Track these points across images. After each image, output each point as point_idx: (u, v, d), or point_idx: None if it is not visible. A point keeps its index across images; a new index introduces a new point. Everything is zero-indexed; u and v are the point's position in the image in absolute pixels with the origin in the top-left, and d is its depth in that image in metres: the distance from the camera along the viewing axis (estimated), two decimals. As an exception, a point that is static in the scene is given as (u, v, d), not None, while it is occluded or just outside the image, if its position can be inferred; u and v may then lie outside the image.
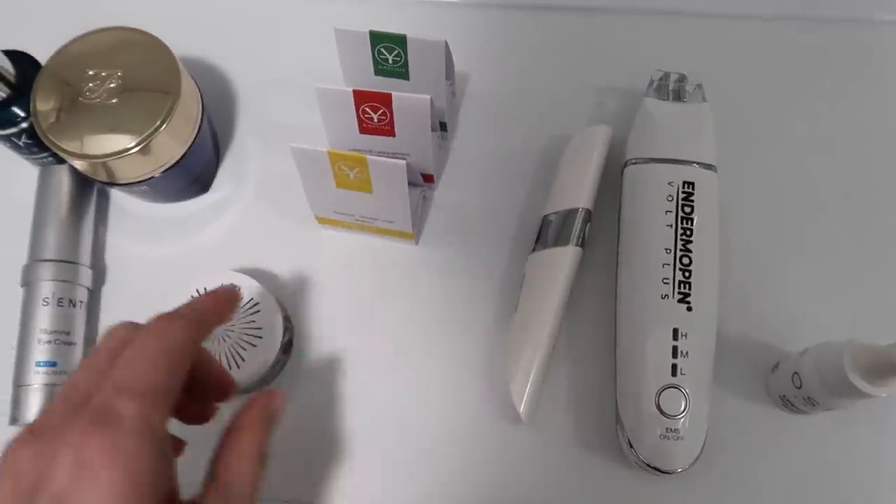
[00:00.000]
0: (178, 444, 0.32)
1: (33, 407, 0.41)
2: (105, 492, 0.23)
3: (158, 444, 0.25)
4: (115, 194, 0.48)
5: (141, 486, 0.24)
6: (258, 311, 0.40)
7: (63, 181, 0.45)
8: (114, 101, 0.40)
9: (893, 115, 0.48)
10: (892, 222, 0.45)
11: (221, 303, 0.32)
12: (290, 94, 0.49)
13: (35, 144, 0.44)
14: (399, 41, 0.39)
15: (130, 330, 0.28)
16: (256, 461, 0.28)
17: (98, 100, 0.40)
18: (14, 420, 0.41)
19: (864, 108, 0.48)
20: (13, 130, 0.43)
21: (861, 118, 0.48)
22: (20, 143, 0.44)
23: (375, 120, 0.40)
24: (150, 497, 0.24)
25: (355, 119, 0.40)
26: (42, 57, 0.42)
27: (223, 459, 0.28)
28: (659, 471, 0.37)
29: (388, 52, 0.40)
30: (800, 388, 0.38)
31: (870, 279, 0.44)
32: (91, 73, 0.41)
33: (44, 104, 0.40)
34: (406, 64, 0.40)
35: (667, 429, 0.37)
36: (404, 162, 0.36)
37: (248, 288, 0.40)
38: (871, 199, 0.46)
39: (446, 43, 0.39)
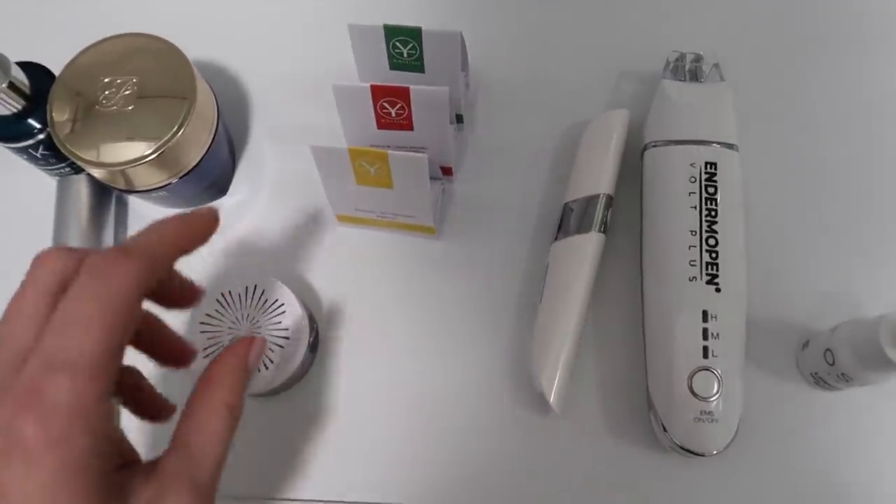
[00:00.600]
0: (164, 407, 0.30)
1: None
2: (41, 482, 0.22)
3: (95, 424, 0.23)
4: (133, 201, 0.48)
5: (77, 473, 0.22)
6: (283, 312, 0.40)
7: (82, 191, 0.45)
8: (130, 107, 0.40)
9: (913, 86, 0.47)
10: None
11: (182, 230, 0.27)
12: (303, 94, 0.49)
13: (52, 155, 0.44)
14: (414, 34, 0.39)
15: (67, 264, 0.25)
16: (223, 416, 0.26)
17: (114, 107, 0.40)
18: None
19: (887, 81, 0.47)
20: (30, 142, 0.42)
21: (883, 90, 0.47)
22: (37, 155, 0.44)
23: (393, 115, 0.39)
24: (88, 481, 0.22)
25: (373, 115, 0.40)
26: (56, 68, 0.42)
27: (187, 413, 0.26)
28: (694, 454, 0.37)
29: (403, 45, 0.40)
30: (833, 364, 0.38)
31: (895, 255, 0.43)
32: (106, 80, 0.40)
33: (60, 114, 0.40)
34: (421, 57, 0.40)
35: (701, 411, 0.37)
36: (426, 155, 0.36)
37: (272, 289, 0.40)
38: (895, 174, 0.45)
39: (461, 34, 0.39)
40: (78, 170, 0.45)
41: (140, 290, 0.24)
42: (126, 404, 0.30)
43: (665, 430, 0.38)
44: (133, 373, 0.30)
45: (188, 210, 0.28)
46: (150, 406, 0.30)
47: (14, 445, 0.22)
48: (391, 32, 0.39)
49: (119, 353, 0.24)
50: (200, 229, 0.28)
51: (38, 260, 0.25)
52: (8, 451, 0.22)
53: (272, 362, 0.39)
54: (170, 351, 0.31)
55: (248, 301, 0.40)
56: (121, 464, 0.25)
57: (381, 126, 0.41)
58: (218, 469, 0.26)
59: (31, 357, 0.23)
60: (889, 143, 0.46)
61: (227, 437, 0.26)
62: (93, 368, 0.23)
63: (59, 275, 0.24)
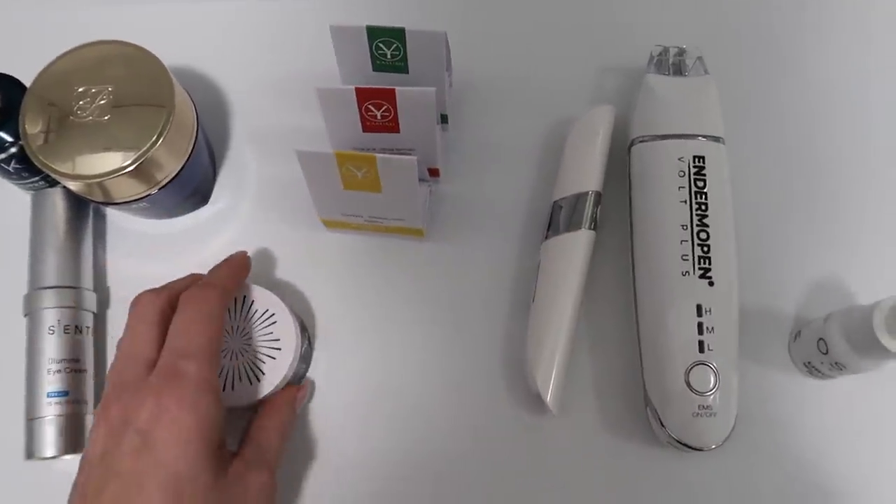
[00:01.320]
0: None
1: (49, 439, 0.39)
2: (178, 430, 0.31)
3: (215, 395, 0.33)
4: (112, 213, 0.47)
5: (204, 429, 0.32)
6: (274, 322, 0.39)
7: (57, 204, 0.43)
8: (106, 117, 0.39)
9: (893, 73, 0.48)
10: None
11: (236, 268, 0.40)
12: (284, 98, 0.48)
13: (25, 169, 0.42)
14: (398, 34, 0.38)
15: (161, 299, 0.36)
16: (281, 432, 0.38)
17: (90, 118, 0.39)
18: (30, 455, 0.40)
19: (868, 71, 0.48)
20: (2, 156, 0.41)
21: (865, 80, 0.47)
22: (10, 169, 0.42)
23: (379, 117, 0.39)
24: (210, 439, 0.32)
25: (358, 118, 0.39)
26: (27, 79, 0.40)
27: (258, 424, 0.37)
28: (692, 448, 0.37)
29: (387, 46, 0.39)
30: (826, 353, 0.38)
31: (884, 242, 0.44)
32: (80, 90, 0.39)
33: (33, 125, 0.39)
34: (405, 57, 0.39)
35: (699, 406, 0.37)
36: (415, 158, 0.35)
37: (261, 298, 0.39)
38: (882, 162, 0.46)
39: (445, 34, 0.38)
40: (52, 183, 0.44)
41: (225, 306, 0.37)
42: None
43: (663, 425, 0.37)
44: None
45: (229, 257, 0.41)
46: None
47: (162, 411, 0.31)
48: (374, 33, 0.38)
49: (220, 348, 0.35)
50: (244, 266, 0.41)
51: (138, 302, 0.36)
52: (158, 416, 0.31)
53: (263, 374, 0.38)
54: None
55: (237, 313, 0.39)
56: (223, 442, 0.34)
57: (366, 129, 0.40)
58: (278, 458, 0.37)
59: (163, 354, 0.34)
60: (873, 132, 0.46)
61: (284, 440, 0.38)
62: (208, 355, 0.34)
63: (158, 308, 0.36)
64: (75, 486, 0.32)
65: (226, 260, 0.41)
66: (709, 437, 0.37)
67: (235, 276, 0.39)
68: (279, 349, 0.38)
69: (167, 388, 0.32)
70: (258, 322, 0.39)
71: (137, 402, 0.32)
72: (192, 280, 0.39)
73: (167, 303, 0.36)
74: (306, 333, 0.42)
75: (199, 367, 0.33)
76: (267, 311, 0.39)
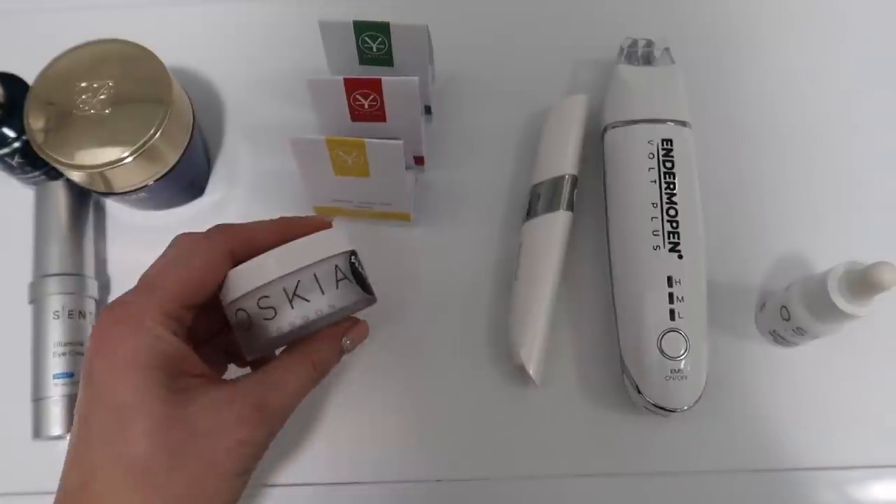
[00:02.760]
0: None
1: (55, 418, 0.41)
2: (114, 360, 0.29)
3: (156, 331, 0.30)
4: (111, 206, 0.49)
5: (142, 362, 0.29)
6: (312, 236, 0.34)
7: (60, 197, 0.45)
8: (107, 111, 0.41)
9: (851, 59, 0.51)
10: (859, 160, 0.48)
11: (290, 224, 0.34)
12: (275, 93, 0.50)
13: (28, 163, 0.44)
14: (382, 28, 0.40)
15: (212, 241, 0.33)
16: (307, 368, 0.33)
17: (91, 111, 0.41)
18: (37, 434, 0.41)
19: (824, 57, 0.51)
20: (6, 151, 0.43)
21: (820, 65, 0.51)
22: (13, 164, 0.44)
23: (366, 106, 0.41)
24: (152, 371, 0.29)
25: (347, 107, 0.41)
26: (29, 78, 0.42)
27: (279, 358, 0.33)
28: (666, 410, 0.39)
29: (372, 40, 0.41)
30: (788, 320, 0.41)
31: (842, 216, 0.47)
32: (82, 85, 0.41)
33: (37, 119, 0.41)
34: (390, 51, 0.42)
35: (671, 370, 0.39)
36: (401, 142, 0.38)
37: None
38: (837, 143, 0.49)
39: (427, 27, 0.41)
40: (54, 177, 0.46)
41: (226, 251, 0.32)
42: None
43: (639, 390, 0.40)
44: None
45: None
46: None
47: (101, 341, 0.30)
48: (360, 28, 0.41)
49: (196, 291, 0.31)
50: (300, 226, 0.34)
51: (177, 240, 0.33)
52: (95, 346, 0.30)
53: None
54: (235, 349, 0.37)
55: None
56: (187, 371, 0.30)
57: (354, 118, 0.42)
58: (286, 405, 0.32)
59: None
60: (829, 114, 0.49)
61: (305, 385, 0.33)
62: (166, 295, 0.30)
63: (224, 248, 0.32)
64: None
65: (298, 219, 0.35)
66: (680, 399, 0.39)
67: (278, 229, 0.34)
68: (292, 245, 0.33)
69: (104, 319, 0.30)
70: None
71: (92, 331, 0.31)
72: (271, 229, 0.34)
73: (234, 246, 0.33)
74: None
75: (141, 299, 0.30)
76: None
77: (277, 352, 0.35)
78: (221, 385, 0.31)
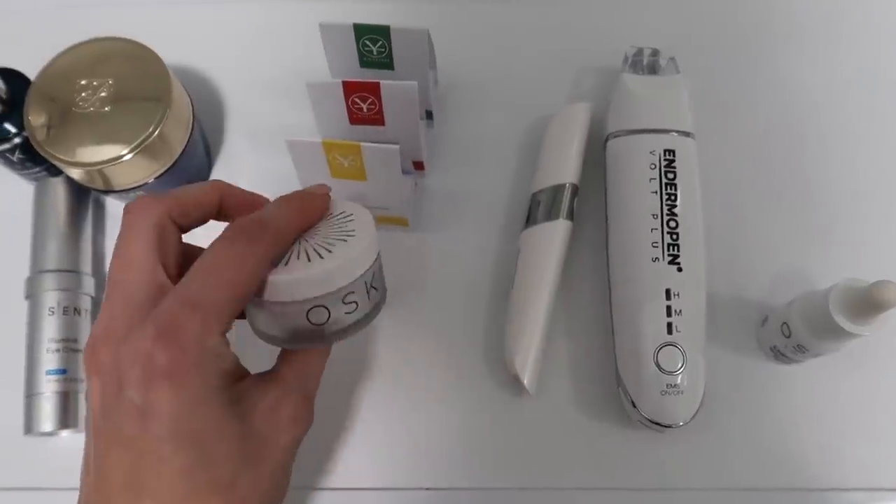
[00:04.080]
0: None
1: (47, 415, 0.41)
2: (187, 398, 0.26)
3: (220, 353, 0.28)
4: (111, 203, 0.49)
5: (212, 390, 0.27)
6: (351, 219, 0.33)
7: (59, 192, 0.45)
8: (107, 108, 0.41)
9: (855, 72, 0.50)
10: (864, 175, 0.47)
11: (308, 210, 0.32)
12: (276, 94, 0.50)
13: (28, 159, 0.44)
14: (383, 32, 0.40)
15: (163, 208, 0.30)
16: (324, 351, 0.33)
17: (91, 109, 0.41)
18: (29, 429, 0.41)
19: (830, 70, 0.50)
20: (6, 146, 0.43)
21: (827, 79, 0.50)
22: (13, 159, 0.44)
23: (365, 110, 0.41)
24: (220, 396, 0.28)
25: (345, 110, 0.41)
26: (31, 74, 0.43)
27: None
28: (661, 426, 0.39)
29: (373, 43, 0.41)
30: (789, 336, 0.40)
31: (846, 231, 0.46)
32: (83, 83, 0.41)
33: (37, 116, 0.41)
34: (390, 54, 0.42)
35: (667, 385, 0.38)
36: (397, 146, 0.37)
37: (338, 205, 0.34)
38: (841, 157, 0.48)
39: (428, 31, 0.41)
40: (54, 173, 0.46)
41: (271, 257, 0.29)
42: None
43: (634, 405, 0.39)
44: None
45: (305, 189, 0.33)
46: None
47: (156, 369, 0.26)
48: (361, 31, 0.41)
49: (242, 305, 0.29)
50: (318, 209, 0.33)
51: (130, 211, 0.30)
52: (151, 375, 0.26)
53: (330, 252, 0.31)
54: None
55: None
56: (237, 378, 0.30)
57: (353, 121, 0.42)
58: (318, 385, 0.33)
59: (170, 296, 0.28)
60: (833, 129, 0.48)
61: (325, 362, 0.33)
62: (220, 313, 0.28)
63: (154, 220, 0.30)
64: (85, 455, 0.29)
65: (295, 194, 0.33)
66: (676, 415, 0.38)
67: (299, 218, 0.32)
68: (353, 234, 0.32)
69: (161, 346, 0.26)
70: (333, 218, 0.34)
71: (130, 355, 0.26)
72: (214, 191, 0.33)
73: (166, 215, 0.30)
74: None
75: (204, 324, 0.27)
76: (343, 211, 0.34)
77: None
78: (268, 384, 0.31)
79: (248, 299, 0.29)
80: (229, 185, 0.34)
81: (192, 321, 0.27)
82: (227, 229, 0.29)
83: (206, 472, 0.27)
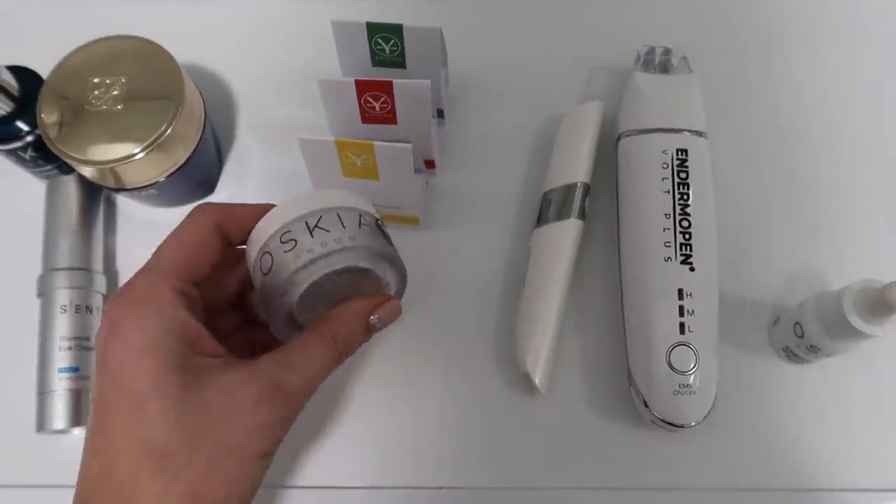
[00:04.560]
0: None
1: (59, 412, 0.41)
2: (128, 350, 0.28)
3: (167, 312, 0.29)
4: (122, 201, 0.49)
5: (155, 344, 0.28)
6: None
7: (71, 191, 0.45)
8: (119, 107, 0.41)
9: (868, 73, 0.50)
10: (877, 175, 0.47)
11: (255, 208, 0.33)
12: (287, 92, 0.50)
13: (41, 157, 0.44)
14: (396, 31, 0.40)
15: (219, 214, 0.33)
16: (329, 345, 0.32)
17: (104, 107, 0.41)
18: (41, 427, 0.41)
19: (843, 69, 0.50)
20: (19, 144, 0.43)
21: (839, 78, 0.50)
22: (26, 157, 0.44)
23: (377, 108, 0.41)
24: (166, 353, 0.28)
25: (357, 109, 0.41)
26: (43, 72, 0.43)
27: (304, 335, 0.32)
28: (674, 426, 0.39)
29: (385, 42, 0.41)
30: (802, 337, 0.40)
31: (858, 232, 0.46)
32: (95, 81, 0.41)
33: (50, 114, 0.41)
34: (403, 53, 0.42)
35: (679, 385, 0.38)
36: (410, 145, 0.37)
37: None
38: (854, 158, 0.48)
39: (441, 30, 0.40)
40: (66, 171, 0.46)
41: (217, 224, 0.32)
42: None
43: (646, 404, 0.39)
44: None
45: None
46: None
47: (107, 324, 0.29)
48: (373, 29, 0.41)
49: (192, 262, 0.31)
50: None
51: (196, 209, 0.33)
52: (108, 332, 0.29)
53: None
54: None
55: None
56: (204, 353, 0.30)
57: (365, 120, 0.42)
58: (307, 385, 0.31)
59: None
60: (846, 129, 0.48)
61: (326, 363, 0.31)
62: (168, 269, 0.31)
63: (208, 219, 0.32)
64: None
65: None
66: (689, 415, 0.38)
67: (246, 207, 0.33)
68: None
69: (115, 304, 0.29)
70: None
71: (103, 318, 0.30)
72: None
73: (218, 220, 0.32)
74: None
75: (150, 280, 0.30)
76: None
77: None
78: (238, 365, 0.30)
79: (200, 260, 0.32)
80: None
81: (142, 279, 0.30)
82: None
83: (135, 432, 0.28)
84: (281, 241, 0.31)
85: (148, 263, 0.31)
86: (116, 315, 0.29)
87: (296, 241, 0.30)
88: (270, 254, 0.31)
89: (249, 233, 0.32)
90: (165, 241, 0.32)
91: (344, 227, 0.31)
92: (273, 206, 0.32)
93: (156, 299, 0.29)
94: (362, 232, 0.32)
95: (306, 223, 0.31)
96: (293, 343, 0.31)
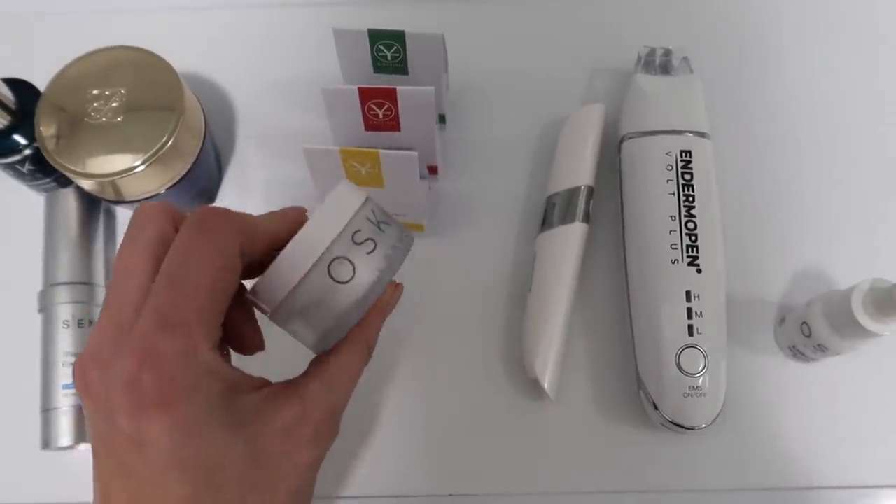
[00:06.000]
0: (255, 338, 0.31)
1: (64, 429, 0.41)
2: (183, 427, 0.24)
3: (213, 370, 0.25)
4: (122, 213, 0.48)
5: (211, 413, 0.25)
6: None
7: (70, 204, 0.45)
8: (119, 119, 0.41)
9: (871, 70, 0.50)
10: (882, 174, 0.47)
11: (281, 214, 0.29)
12: (287, 101, 0.50)
13: (39, 170, 0.44)
14: (398, 37, 0.40)
15: (166, 222, 0.27)
16: (363, 354, 0.30)
17: (103, 119, 0.41)
18: (46, 444, 0.41)
19: (844, 70, 0.50)
20: (17, 158, 0.43)
21: (841, 79, 0.50)
22: (24, 171, 0.44)
23: (381, 116, 0.41)
24: (221, 417, 0.25)
25: (361, 117, 0.41)
26: (41, 84, 0.42)
27: (325, 359, 0.29)
28: (684, 428, 0.39)
29: (387, 48, 0.41)
30: (809, 336, 0.40)
31: (862, 231, 0.46)
32: (94, 92, 0.41)
33: (48, 127, 0.41)
34: (405, 60, 0.41)
35: (689, 387, 0.38)
36: (416, 153, 0.37)
37: None
38: (858, 156, 0.48)
39: (443, 36, 0.40)
40: (64, 184, 0.45)
41: (241, 248, 0.26)
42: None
43: (655, 406, 0.39)
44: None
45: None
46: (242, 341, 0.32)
47: (145, 398, 0.24)
48: (375, 36, 0.40)
49: (224, 307, 0.26)
50: (294, 213, 0.30)
51: (137, 216, 0.27)
52: (140, 405, 0.24)
53: None
54: (243, 337, 0.32)
55: None
56: (250, 389, 0.27)
57: (368, 128, 0.42)
58: (349, 399, 0.30)
59: (143, 314, 0.24)
60: (851, 126, 0.48)
61: (361, 372, 0.30)
62: (204, 325, 0.25)
63: (161, 233, 0.26)
64: (93, 475, 0.26)
65: (269, 213, 0.30)
66: (699, 417, 0.38)
67: (273, 216, 0.29)
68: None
69: (146, 373, 0.24)
70: None
71: (116, 382, 0.24)
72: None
73: (172, 224, 0.27)
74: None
75: (186, 343, 0.24)
76: None
77: None
78: (287, 399, 0.27)
79: (228, 301, 0.26)
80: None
81: (172, 342, 0.24)
82: (189, 221, 0.26)
83: (210, 501, 0.25)
84: (355, 242, 0.28)
85: (162, 308, 0.25)
86: (149, 389, 0.24)
87: (374, 242, 0.28)
88: (349, 260, 0.28)
89: (270, 245, 0.28)
90: (177, 272, 0.25)
91: (389, 221, 0.30)
92: (295, 210, 0.29)
93: (202, 367, 0.25)
94: (387, 233, 0.30)
95: (368, 218, 0.28)
96: (332, 360, 0.29)
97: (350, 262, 0.28)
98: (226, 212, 0.27)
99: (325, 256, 0.27)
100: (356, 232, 0.28)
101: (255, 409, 0.26)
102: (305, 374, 0.29)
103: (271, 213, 0.29)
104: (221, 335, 0.27)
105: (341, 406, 0.30)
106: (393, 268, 0.29)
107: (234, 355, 0.31)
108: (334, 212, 0.28)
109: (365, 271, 0.28)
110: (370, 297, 0.29)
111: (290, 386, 0.28)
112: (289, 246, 0.27)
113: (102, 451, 0.25)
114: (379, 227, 0.29)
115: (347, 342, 0.30)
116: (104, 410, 0.24)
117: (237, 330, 0.30)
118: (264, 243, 0.28)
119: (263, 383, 0.28)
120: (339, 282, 0.27)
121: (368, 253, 0.28)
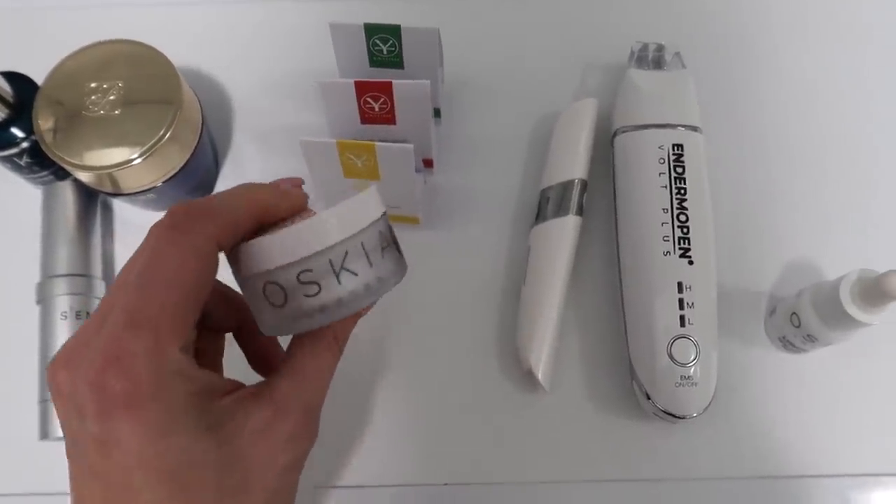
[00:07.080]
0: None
1: (63, 420, 0.41)
2: (151, 429, 0.23)
3: (183, 371, 0.24)
4: (119, 206, 0.49)
5: (180, 415, 0.24)
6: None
7: (67, 197, 0.45)
8: (117, 112, 0.41)
9: (861, 65, 0.51)
10: (871, 166, 0.48)
11: (262, 194, 0.28)
12: (282, 94, 0.50)
13: (36, 163, 0.44)
14: (394, 31, 0.40)
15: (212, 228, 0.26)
16: (334, 350, 0.29)
17: (101, 112, 0.41)
18: (44, 435, 0.41)
19: (835, 66, 0.51)
20: (14, 151, 0.43)
21: (828, 72, 0.50)
22: (21, 164, 0.44)
23: (377, 109, 0.41)
24: (192, 420, 0.24)
25: (357, 110, 0.41)
26: (39, 77, 0.42)
27: (300, 344, 0.29)
28: (676, 417, 0.39)
29: (383, 42, 0.41)
30: (798, 326, 0.40)
31: (852, 223, 0.47)
32: (92, 85, 0.41)
33: (46, 119, 0.41)
34: (400, 54, 0.42)
35: (681, 376, 0.39)
36: (412, 146, 0.38)
37: None
38: (847, 150, 0.48)
39: (438, 30, 0.41)
40: (62, 177, 0.45)
41: (217, 248, 0.26)
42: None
43: (648, 397, 0.40)
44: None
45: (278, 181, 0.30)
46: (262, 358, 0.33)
47: (112, 401, 0.23)
48: (371, 30, 0.41)
49: (198, 306, 0.25)
50: (281, 196, 0.29)
51: (169, 213, 0.26)
52: (106, 407, 0.23)
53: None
54: (262, 355, 0.33)
55: None
56: (223, 393, 0.26)
57: (364, 121, 0.42)
58: (324, 396, 0.29)
59: (111, 314, 0.24)
60: (841, 120, 0.49)
61: (333, 368, 0.29)
62: (172, 325, 0.24)
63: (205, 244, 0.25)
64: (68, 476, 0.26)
65: (268, 184, 0.29)
66: (690, 406, 0.39)
67: (257, 203, 0.28)
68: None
69: (108, 377, 0.23)
70: None
71: (83, 384, 0.23)
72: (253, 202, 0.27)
73: (221, 241, 0.26)
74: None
75: (157, 342, 0.24)
76: None
77: None
78: (260, 400, 0.27)
79: (201, 301, 0.25)
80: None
81: (138, 343, 0.23)
82: (164, 217, 0.25)
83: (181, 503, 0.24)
84: (300, 282, 0.26)
85: (129, 307, 0.24)
86: (116, 391, 0.23)
87: (319, 287, 0.26)
88: (283, 289, 0.27)
89: (259, 220, 0.27)
90: (148, 269, 0.24)
91: (370, 263, 0.28)
92: (290, 181, 0.28)
93: (171, 368, 0.24)
94: (385, 259, 0.28)
95: (331, 262, 0.26)
96: (299, 355, 0.29)
97: (318, 284, 0.27)
98: (202, 208, 0.26)
99: (299, 263, 0.26)
100: (346, 254, 0.27)
101: (227, 412, 0.26)
102: (276, 374, 0.28)
103: (263, 186, 0.29)
104: (196, 336, 0.27)
105: (316, 404, 0.29)
106: (370, 296, 0.28)
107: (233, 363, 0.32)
108: (356, 212, 0.28)
109: (330, 293, 0.27)
110: (341, 311, 0.27)
111: (262, 387, 0.28)
112: (296, 225, 0.26)
113: (74, 453, 0.25)
114: (338, 278, 0.27)
115: (315, 338, 0.29)
116: (73, 412, 0.24)
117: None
118: (250, 223, 0.27)
119: (236, 386, 0.28)
120: (305, 293, 0.27)
121: (340, 282, 0.27)
